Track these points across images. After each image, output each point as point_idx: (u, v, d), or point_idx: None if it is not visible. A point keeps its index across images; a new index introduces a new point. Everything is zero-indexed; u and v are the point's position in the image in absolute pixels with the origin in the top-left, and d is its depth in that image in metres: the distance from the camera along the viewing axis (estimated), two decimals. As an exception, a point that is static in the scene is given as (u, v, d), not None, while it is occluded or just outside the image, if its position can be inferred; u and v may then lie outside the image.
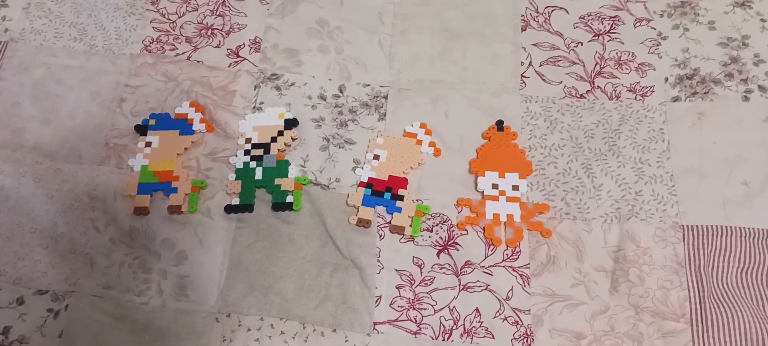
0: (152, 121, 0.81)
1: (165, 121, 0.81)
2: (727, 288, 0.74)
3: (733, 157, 0.81)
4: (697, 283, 0.74)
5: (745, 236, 0.76)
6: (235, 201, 0.76)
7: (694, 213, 0.78)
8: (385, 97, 0.85)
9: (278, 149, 0.79)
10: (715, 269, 0.75)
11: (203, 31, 0.89)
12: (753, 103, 0.84)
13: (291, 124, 0.81)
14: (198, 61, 0.86)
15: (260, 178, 0.78)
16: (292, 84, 0.85)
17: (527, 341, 0.71)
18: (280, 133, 0.80)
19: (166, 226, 0.75)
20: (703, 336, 0.71)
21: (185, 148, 0.80)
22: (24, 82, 0.84)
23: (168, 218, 0.76)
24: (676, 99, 0.85)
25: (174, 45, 0.88)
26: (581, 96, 0.86)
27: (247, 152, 0.79)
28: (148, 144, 0.80)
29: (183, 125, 0.81)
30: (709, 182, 0.79)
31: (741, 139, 0.82)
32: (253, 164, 0.78)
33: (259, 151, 0.79)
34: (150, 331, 0.70)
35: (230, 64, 0.87)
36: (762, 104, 0.84)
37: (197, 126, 0.81)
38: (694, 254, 0.76)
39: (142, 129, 0.81)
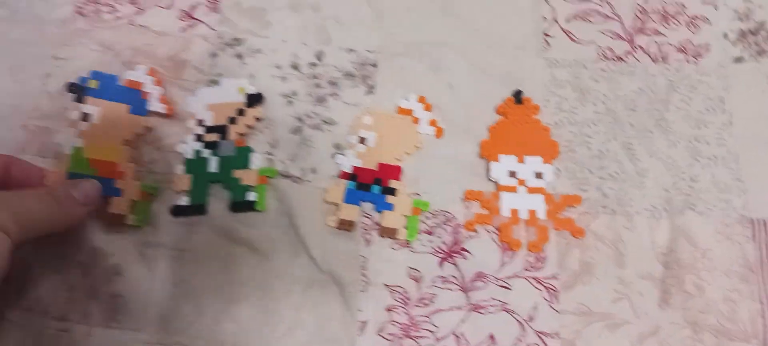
0: (94, 83, 0.62)
1: (111, 88, 0.62)
2: (812, 299, 0.59)
3: (816, 131, 0.64)
4: (774, 293, 0.59)
5: (834, 232, 0.60)
6: (184, 201, 0.61)
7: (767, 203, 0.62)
8: (374, 65, 0.69)
9: (238, 133, 0.63)
10: (796, 275, 0.60)
11: (150, -12, 0.73)
12: (836, 63, 0.67)
13: (254, 100, 0.64)
14: (142, 26, 0.70)
15: (216, 170, 0.62)
16: (258, 51, 0.69)
17: (557, 375, 0.55)
18: (241, 112, 0.64)
19: (98, 231, 0.60)
20: (782, 362, 0.56)
21: (136, 134, 0.62)
22: (-69, 55, 0.69)
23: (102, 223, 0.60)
24: (738, 59, 0.69)
25: (113, 6, 0.71)
26: (619, 59, 0.69)
27: (198, 138, 0.63)
28: (86, 117, 0.61)
29: (136, 100, 0.62)
30: (786, 164, 0.63)
31: (823, 108, 0.66)
32: (206, 153, 0.62)
33: (214, 137, 0.63)
34: (74, 367, 0.55)
35: (182, 28, 0.70)
36: None
37: (155, 105, 0.63)
38: (768, 256, 0.60)
39: (78, 91, 0.61)
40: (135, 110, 0.62)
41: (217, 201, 0.61)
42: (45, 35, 0.70)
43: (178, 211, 0.60)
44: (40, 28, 0.70)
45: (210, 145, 0.63)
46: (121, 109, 0.62)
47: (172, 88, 0.66)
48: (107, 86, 0.63)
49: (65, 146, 0.60)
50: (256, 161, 0.62)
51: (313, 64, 0.69)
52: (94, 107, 0.62)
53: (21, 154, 0.63)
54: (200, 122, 0.64)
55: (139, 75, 0.64)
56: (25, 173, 0.56)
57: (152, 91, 0.64)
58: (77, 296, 0.57)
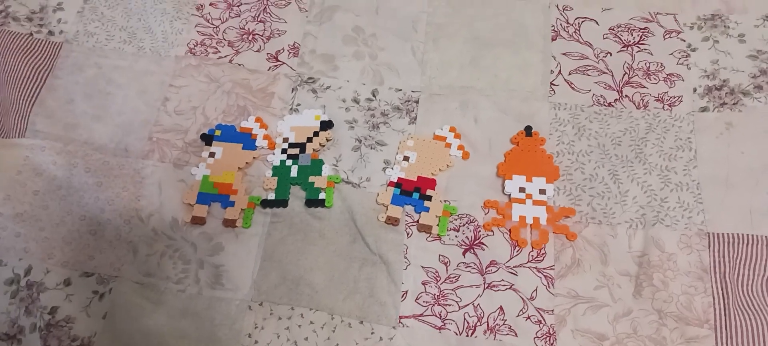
0: (218, 132, 0.84)
1: (230, 134, 0.84)
2: (752, 296, 0.74)
3: (761, 168, 0.81)
4: (722, 290, 0.74)
5: (772, 246, 0.76)
6: (271, 196, 0.80)
7: (720, 221, 0.78)
8: (417, 102, 0.88)
9: (313, 149, 0.83)
10: (740, 277, 0.75)
11: (245, 36, 0.93)
12: (782, 115, 0.84)
13: (326, 125, 0.84)
14: (239, 64, 0.91)
15: (295, 175, 0.81)
16: (328, 87, 0.89)
17: (550, 340, 0.72)
18: (316, 133, 0.84)
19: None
20: (727, 342, 0.71)
21: (247, 163, 0.82)
22: (77, 80, 0.89)
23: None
24: (704, 109, 0.86)
25: (217, 48, 0.92)
26: (609, 104, 0.87)
27: (284, 151, 0.83)
28: (212, 154, 0.82)
29: (247, 140, 0.83)
30: (736, 192, 0.80)
31: (769, 150, 0.82)
32: (289, 162, 0.82)
33: (296, 151, 0.83)
34: (186, 316, 0.73)
35: (270, 67, 0.90)
36: (792, 116, 0.84)
37: (260, 142, 0.83)
38: (719, 261, 0.76)
39: (207, 139, 0.83)
40: (246, 147, 0.83)
41: (296, 199, 0.80)
42: (164, 68, 0.90)
43: (266, 203, 0.79)
44: (160, 62, 0.91)
45: (292, 157, 0.83)
46: (236, 147, 0.83)
47: (263, 113, 0.86)
48: (227, 133, 0.84)
49: (198, 174, 0.81)
50: (326, 170, 0.82)
51: (370, 100, 0.88)
52: (218, 148, 0.83)
53: (147, 160, 0.83)
54: (285, 140, 0.84)
55: (250, 123, 0.85)
56: None
57: (259, 133, 0.84)
58: (190, 266, 0.76)
